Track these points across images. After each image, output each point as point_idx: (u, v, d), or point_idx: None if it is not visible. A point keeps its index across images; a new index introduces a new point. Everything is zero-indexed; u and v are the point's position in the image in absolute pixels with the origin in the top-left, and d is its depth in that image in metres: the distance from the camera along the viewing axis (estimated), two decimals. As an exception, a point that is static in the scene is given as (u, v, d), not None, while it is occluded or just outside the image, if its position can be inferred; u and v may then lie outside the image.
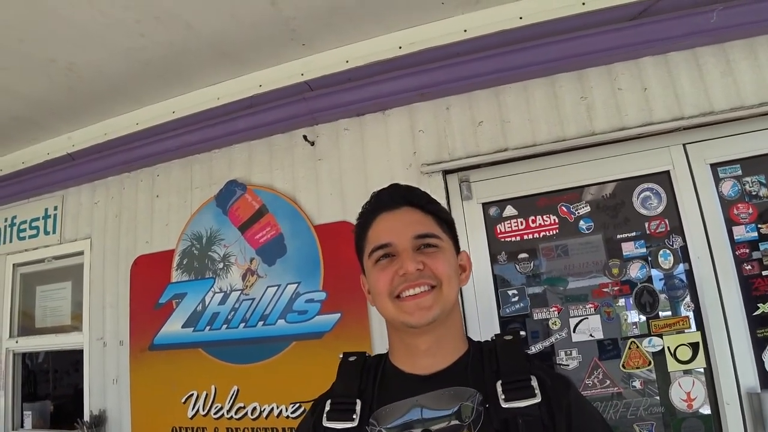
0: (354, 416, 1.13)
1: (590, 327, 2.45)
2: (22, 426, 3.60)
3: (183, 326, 3.05)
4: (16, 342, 3.68)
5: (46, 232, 3.67)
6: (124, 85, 3.04)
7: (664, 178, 2.48)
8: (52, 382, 4.08)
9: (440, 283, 1.16)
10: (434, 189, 2.62)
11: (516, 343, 1.20)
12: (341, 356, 1.28)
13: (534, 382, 1.09)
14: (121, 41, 2.59)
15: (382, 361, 1.26)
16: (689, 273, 2.38)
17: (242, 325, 2.91)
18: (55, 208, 3.67)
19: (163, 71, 2.92)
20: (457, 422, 1.08)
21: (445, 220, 1.27)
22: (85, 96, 3.10)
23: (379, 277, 1.18)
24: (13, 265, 3.80)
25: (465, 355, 1.21)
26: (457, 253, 1.27)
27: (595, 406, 1.22)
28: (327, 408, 1.18)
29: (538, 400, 1.07)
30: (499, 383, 1.10)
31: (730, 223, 2.37)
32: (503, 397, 1.08)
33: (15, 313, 3.77)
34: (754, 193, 2.38)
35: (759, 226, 2.35)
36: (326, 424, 1.15)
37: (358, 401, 1.16)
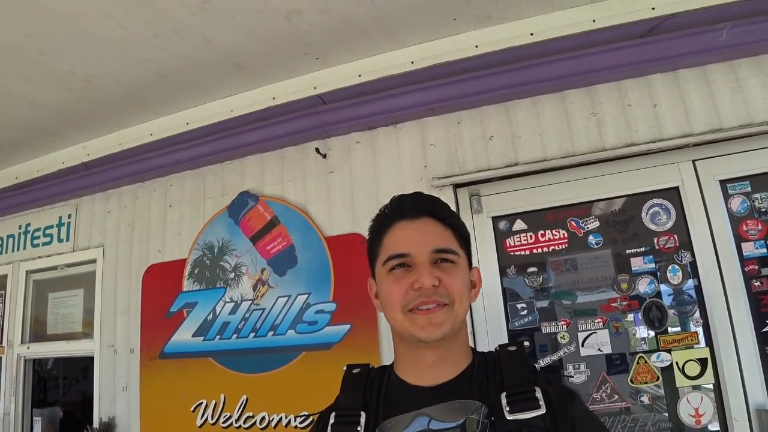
0: (359, 428, 1.13)
1: (599, 341, 2.46)
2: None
3: (193, 335, 3.07)
4: (28, 348, 3.71)
5: (60, 240, 3.72)
6: (139, 97, 3.09)
7: (673, 194, 2.49)
8: (61, 388, 4.12)
9: (453, 301, 1.14)
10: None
11: (520, 354, 1.20)
12: (345, 368, 1.27)
13: (538, 394, 1.09)
14: (139, 54, 2.63)
15: (386, 372, 1.25)
16: (698, 289, 2.39)
17: (252, 334, 2.93)
18: (69, 217, 3.72)
19: (178, 83, 2.97)
20: None
21: (462, 235, 1.25)
22: (102, 106, 3.15)
23: (392, 288, 1.16)
24: (26, 271, 3.85)
25: (470, 367, 1.20)
26: (470, 268, 1.26)
27: (602, 420, 1.22)
28: (332, 420, 1.17)
29: (542, 411, 1.06)
30: (503, 395, 1.10)
31: (739, 239, 2.38)
32: (508, 408, 1.07)
33: (27, 320, 3.81)
34: (763, 210, 2.39)
35: (768, 242, 2.36)
36: None
37: (363, 413, 1.15)
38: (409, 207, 1.22)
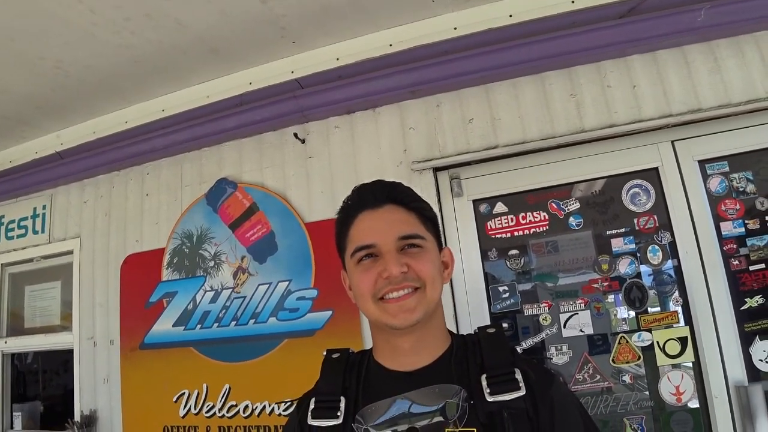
0: (338, 413, 1.14)
1: (580, 322, 2.47)
2: (12, 427, 3.57)
3: (174, 325, 3.03)
4: (5, 342, 3.65)
5: (35, 232, 3.64)
6: (113, 83, 3.02)
7: (652, 175, 2.50)
8: (41, 382, 4.06)
9: (424, 285, 1.15)
10: (425, 186, 2.64)
11: (500, 336, 1.21)
12: (325, 353, 1.28)
13: (518, 375, 1.10)
14: (111, 39, 2.57)
15: (365, 357, 1.27)
16: (678, 268, 2.41)
17: (233, 323, 2.90)
18: (44, 207, 3.64)
19: (152, 69, 2.91)
20: (441, 419, 1.09)
21: (428, 217, 1.25)
22: (74, 94, 3.08)
23: (362, 278, 1.17)
24: (2, 264, 3.77)
25: (448, 351, 1.22)
26: (440, 249, 1.27)
27: (583, 401, 1.24)
28: (311, 406, 1.18)
29: (522, 393, 1.08)
30: (483, 377, 1.11)
31: (718, 219, 2.40)
32: (488, 390, 1.09)
33: (4, 314, 3.74)
34: (741, 190, 2.41)
35: (746, 221, 2.38)
36: (311, 422, 1.15)
37: (342, 398, 1.16)
38: (371, 196, 1.23)
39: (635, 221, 2.49)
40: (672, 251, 2.43)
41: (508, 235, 2.64)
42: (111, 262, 3.32)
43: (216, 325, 2.94)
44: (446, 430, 1.07)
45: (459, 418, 1.08)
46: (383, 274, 1.14)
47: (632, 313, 2.43)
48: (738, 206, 2.40)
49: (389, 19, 2.71)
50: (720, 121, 2.43)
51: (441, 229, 1.35)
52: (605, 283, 2.48)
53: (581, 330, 2.47)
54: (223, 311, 2.94)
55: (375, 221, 1.19)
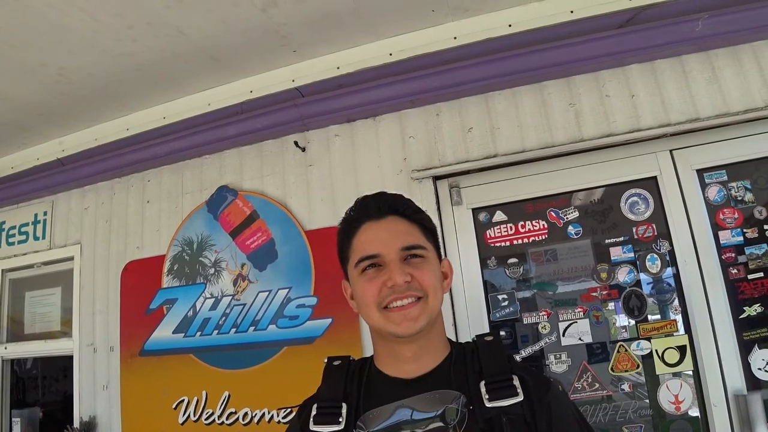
0: (340, 419, 1.16)
1: (579, 331, 2.48)
2: (10, 433, 3.57)
3: (174, 332, 3.04)
4: (5, 348, 3.65)
5: (36, 238, 3.65)
6: (114, 91, 3.04)
7: (651, 184, 2.51)
8: (41, 388, 4.05)
9: (426, 294, 1.18)
10: (424, 195, 2.65)
11: (497, 344, 1.24)
12: (326, 361, 1.30)
13: (516, 382, 1.13)
14: (113, 47, 2.59)
15: (366, 364, 1.29)
16: (677, 277, 2.41)
17: (233, 330, 2.90)
18: (45, 214, 3.65)
19: (154, 77, 2.92)
20: (441, 424, 1.11)
21: (429, 228, 1.28)
22: (76, 101, 3.09)
23: (366, 287, 1.20)
24: (2, 270, 3.77)
25: (448, 358, 1.24)
26: (439, 260, 1.30)
27: (582, 410, 1.26)
28: (314, 412, 1.20)
29: (520, 398, 1.11)
30: (482, 384, 1.14)
31: (716, 227, 2.41)
32: (487, 397, 1.11)
33: (4, 319, 3.73)
34: (739, 198, 2.42)
35: (744, 230, 2.38)
36: (313, 428, 1.18)
37: (344, 404, 1.19)
38: (374, 207, 1.26)
39: (634, 230, 2.50)
40: (671, 260, 2.44)
41: (507, 243, 2.64)
42: (111, 269, 3.32)
43: (216, 332, 2.94)
44: None
45: (458, 423, 1.10)
46: (387, 283, 1.17)
47: (631, 322, 2.43)
48: (736, 215, 2.41)
49: (389, 28, 2.73)
50: (718, 131, 2.44)
51: (440, 238, 1.37)
52: (604, 292, 2.49)
53: (580, 338, 2.47)
54: (223, 318, 2.94)
55: (378, 232, 1.22)
